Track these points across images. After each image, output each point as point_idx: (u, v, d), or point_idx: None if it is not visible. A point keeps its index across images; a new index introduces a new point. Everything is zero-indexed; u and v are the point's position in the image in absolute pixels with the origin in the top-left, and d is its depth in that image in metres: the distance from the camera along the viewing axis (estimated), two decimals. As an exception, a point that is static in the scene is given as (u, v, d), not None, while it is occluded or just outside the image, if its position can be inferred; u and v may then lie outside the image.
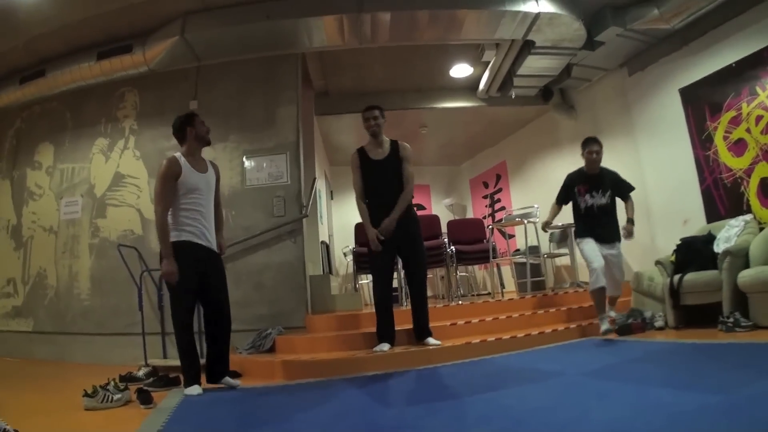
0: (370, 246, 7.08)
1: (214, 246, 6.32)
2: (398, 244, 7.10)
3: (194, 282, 5.97)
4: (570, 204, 8.47)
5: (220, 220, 6.60)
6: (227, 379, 6.21)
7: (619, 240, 8.24)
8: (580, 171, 8.50)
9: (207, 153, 6.65)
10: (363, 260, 10.42)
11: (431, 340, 7.03)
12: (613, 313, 7.90)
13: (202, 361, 6.26)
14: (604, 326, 7.56)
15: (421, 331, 7.12)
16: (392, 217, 7.00)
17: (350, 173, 7.35)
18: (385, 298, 7.09)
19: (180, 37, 9.01)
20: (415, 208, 7.52)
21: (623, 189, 8.52)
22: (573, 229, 9.26)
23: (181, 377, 6.24)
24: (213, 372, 6.23)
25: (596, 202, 8.20)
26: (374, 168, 7.24)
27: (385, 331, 7.04)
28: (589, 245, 7.98)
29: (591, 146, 8.24)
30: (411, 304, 7.23)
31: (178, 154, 6.19)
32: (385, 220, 7.00)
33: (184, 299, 5.95)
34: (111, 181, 9.81)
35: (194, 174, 6.15)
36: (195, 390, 5.73)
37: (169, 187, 5.94)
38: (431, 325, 7.18)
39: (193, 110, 6.46)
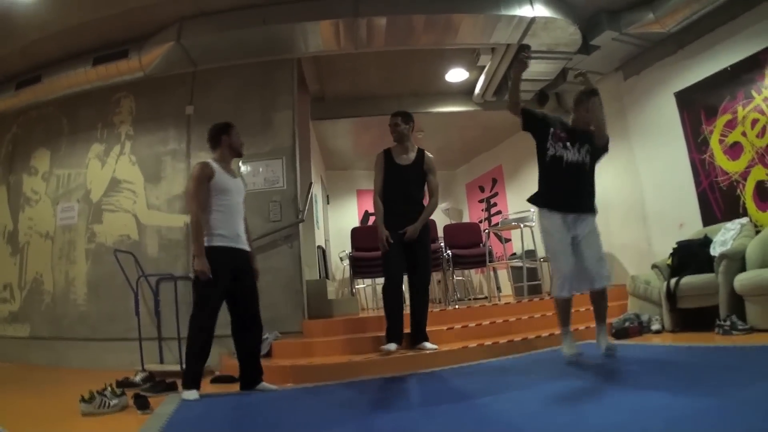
0: (379, 245, 7.14)
1: (247, 246, 6.40)
2: (410, 248, 7.15)
3: (222, 288, 6.00)
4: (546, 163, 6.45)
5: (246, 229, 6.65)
6: (264, 384, 6.23)
7: (593, 212, 6.52)
8: (558, 117, 6.83)
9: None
10: (359, 265, 10.45)
11: (428, 345, 7.03)
12: (603, 344, 6.32)
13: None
14: (567, 348, 6.38)
15: (418, 335, 7.13)
16: (416, 226, 7.11)
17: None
18: (397, 299, 7.12)
19: (176, 42, 9.03)
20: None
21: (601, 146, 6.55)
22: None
23: (178, 382, 6.26)
24: (249, 379, 6.24)
25: (569, 157, 6.31)
26: (397, 171, 7.31)
27: (395, 332, 7.07)
28: (556, 231, 6.23)
29: (587, 100, 6.58)
30: (411, 309, 7.24)
31: (209, 160, 6.28)
32: (410, 226, 7.09)
33: (210, 302, 5.96)
34: (107, 186, 9.80)
35: (226, 176, 6.24)
36: (193, 395, 5.71)
37: (203, 188, 6.03)
38: (429, 329, 7.19)
39: (228, 122, 6.44)
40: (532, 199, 6.55)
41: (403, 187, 7.24)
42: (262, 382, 6.23)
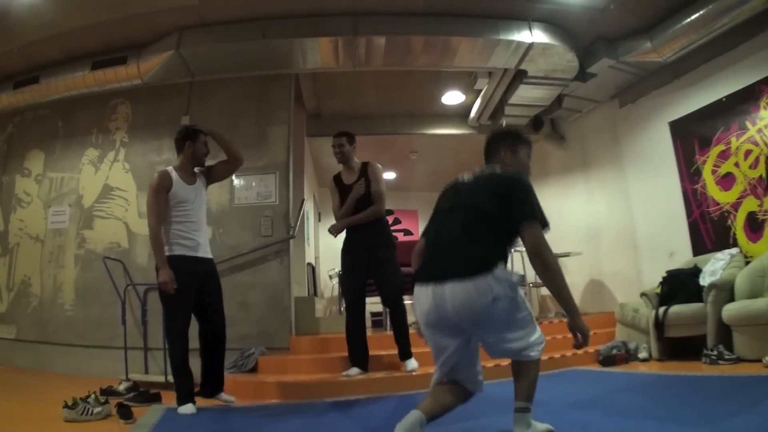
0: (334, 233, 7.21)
1: (209, 254, 6.37)
2: (369, 267, 7.14)
3: (189, 296, 5.97)
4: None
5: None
6: (222, 395, 6.23)
7: None
8: None
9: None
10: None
11: (409, 364, 7.02)
12: None
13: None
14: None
15: (400, 351, 7.12)
16: (347, 221, 7.14)
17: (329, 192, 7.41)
18: (354, 322, 7.09)
19: (175, 51, 9.02)
20: (392, 234, 7.56)
21: None
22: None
23: (162, 393, 6.25)
24: (208, 388, 6.22)
25: None
26: (347, 191, 7.27)
27: (356, 356, 7.05)
28: None
29: (530, 149, 5.15)
30: (391, 326, 7.23)
31: (169, 168, 6.24)
32: (336, 224, 7.18)
33: (179, 314, 5.95)
34: (99, 192, 9.78)
35: (184, 186, 6.18)
36: (189, 409, 5.71)
37: (160, 199, 5.97)
38: (417, 350, 7.14)
39: (197, 125, 6.42)
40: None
41: (356, 206, 7.19)
42: (222, 392, 6.26)
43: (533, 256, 3.84)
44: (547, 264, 3.82)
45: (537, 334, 4.20)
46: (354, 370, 6.89)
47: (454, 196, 4.35)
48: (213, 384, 6.23)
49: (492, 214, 3.88)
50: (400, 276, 7.23)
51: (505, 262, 3.88)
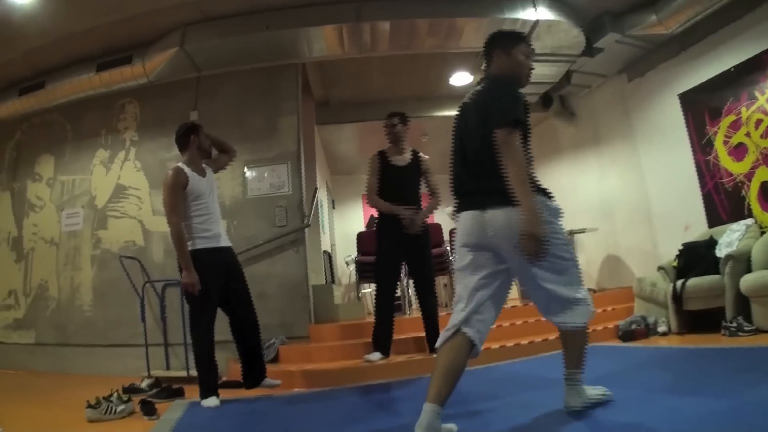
0: (404, 222, 6.91)
1: (228, 243, 6.41)
2: (405, 253, 7.13)
3: (215, 291, 6.01)
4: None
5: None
6: (267, 380, 6.25)
7: None
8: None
9: (205, 164, 6.65)
10: (365, 269, 10.44)
11: None
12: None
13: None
14: None
15: (432, 340, 6.94)
16: (420, 215, 7.03)
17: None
18: (385, 308, 7.07)
19: (180, 48, 9.02)
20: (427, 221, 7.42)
21: None
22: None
23: (185, 388, 6.27)
24: (252, 377, 6.25)
25: None
26: (393, 173, 7.25)
27: (381, 341, 7.04)
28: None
29: (522, 46, 4.45)
30: (422, 313, 7.16)
31: (181, 164, 6.24)
32: (415, 215, 6.97)
33: (206, 309, 5.98)
34: (112, 192, 9.80)
35: (199, 180, 6.21)
36: (213, 402, 5.74)
37: (179, 197, 5.99)
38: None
39: (194, 121, 6.45)
40: None
41: (399, 189, 7.17)
42: (266, 378, 6.25)
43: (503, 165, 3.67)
44: (511, 174, 3.62)
45: (582, 292, 3.94)
46: (376, 355, 6.89)
47: (462, 123, 4.23)
48: (256, 373, 6.26)
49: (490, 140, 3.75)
50: (433, 264, 7.24)
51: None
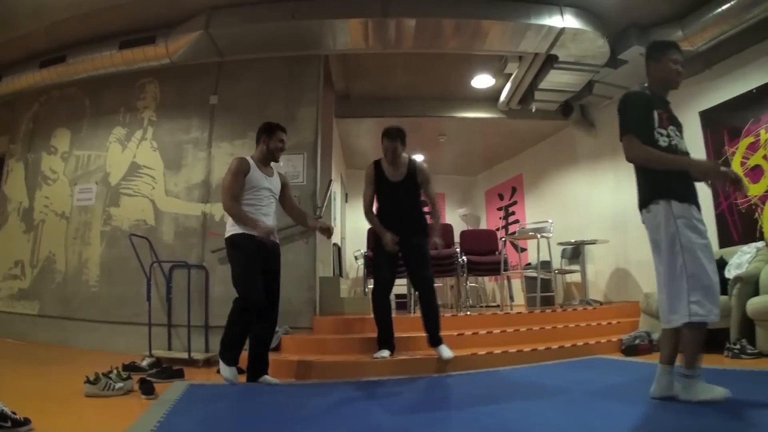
0: (385, 248, 7.03)
1: (276, 239, 6.50)
2: (407, 254, 7.11)
3: (259, 270, 6.10)
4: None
5: (303, 216, 7.06)
6: (266, 377, 6.25)
7: None
8: (651, 93, 4.87)
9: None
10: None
11: (443, 352, 6.87)
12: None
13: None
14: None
15: (431, 337, 7.01)
16: (436, 232, 7.12)
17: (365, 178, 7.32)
18: (381, 306, 7.08)
19: (204, 31, 9.03)
20: (426, 219, 7.49)
21: None
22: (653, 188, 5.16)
23: (185, 370, 6.27)
24: (254, 370, 6.25)
25: (679, 144, 4.73)
26: (389, 188, 7.24)
27: (385, 339, 7.04)
28: (695, 231, 4.56)
29: (671, 52, 4.89)
30: (421, 310, 7.13)
31: (248, 157, 6.41)
32: (435, 240, 7.04)
33: (254, 280, 6.04)
34: (126, 170, 9.82)
35: (261, 174, 6.33)
36: (232, 373, 5.87)
37: (238, 181, 6.13)
38: (440, 334, 7.14)
39: (275, 125, 6.47)
40: (657, 192, 4.62)
41: (395, 203, 7.20)
42: (266, 375, 6.25)
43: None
44: (646, 168, 4.62)
45: (692, 295, 4.37)
46: (386, 353, 6.91)
47: None
48: (259, 367, 6.26)
49: None
50: (430, 260, 7.22)
51: (666, 190, 4.55)
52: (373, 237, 7.37)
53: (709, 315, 4.34)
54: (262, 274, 6.13)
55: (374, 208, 7.34)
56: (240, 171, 6.15)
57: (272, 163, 6.70)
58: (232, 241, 6.09)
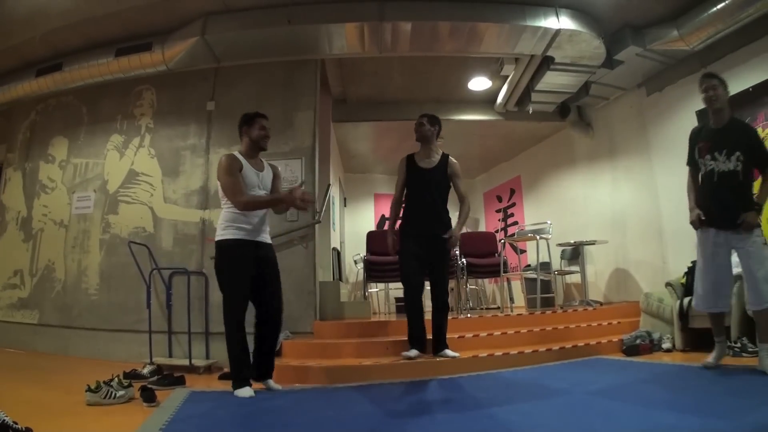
0: (389, 252, 7.27)
1: (269, 239, 6.40)
2: (430, 258, 7.10)
3: (247, 280, 5.98)
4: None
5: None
6: (269, 381, 6.22)
7: (754, 226, 5.95)
8: (704, 124, 6.46)
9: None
10: (373, 269, 10.49)
11: (449, 352, 7.02)
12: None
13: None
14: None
15: (439, 343, 7.09)
16: (457, 231, 7.15)
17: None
18: (417, 306, 7.07)
19: (200, 37, 9.04)
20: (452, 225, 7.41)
21: (759, 155, 6.02)
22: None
23: (186, 377, 6.25)
24: (259, 370, 6.22)
25: (718, 167, 5.99)
26: (420, 175, 7.26)
27: (418, 337, 7.05)
28: (701, 248, 6.32)
29: (705, 82, 6.21)
30: (433, 319, 7.18)
31: (236, 152, 6.28)
32: (452, 231, 7.13)
33: (238, 299, 5.96)
34: (124, 178, 9.82)
35: (252, 171, 6.21)
36: (247, 392, 5.73)
37: (236, 177, 5.99)
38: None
39: (257, 112, 6.41)
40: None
41: (426, 191, 7.18)
42: (270, 379, 6.22)
43: None
44: None
45: None
46: (414, 352, 6.90)
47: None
48: (264, 368, 6.24)
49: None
50: (448, 269, 7.28)
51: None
52: (399, 237, 7.32)
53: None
54: (257, 282, 6.07)
55: (400, 209, 7.42)
56: (234, 167, 6.02)
57: (270, 164, 6.65)
58: (221, 246, 5.99)
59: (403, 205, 7.37)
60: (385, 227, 7.28)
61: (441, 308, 7.15)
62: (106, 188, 9.90)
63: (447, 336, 7.22)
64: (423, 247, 7.02)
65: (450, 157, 7.44)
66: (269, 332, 6.24)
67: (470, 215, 17.86)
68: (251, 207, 6.00)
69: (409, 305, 7.08)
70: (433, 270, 7.19)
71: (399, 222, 7.36)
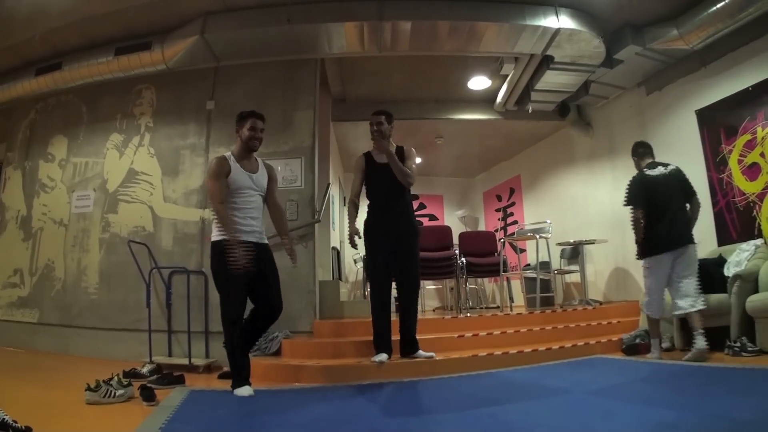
0: (349, 242, 7.33)
1: (264, 240, 6.34)
2: (395, 253, 7.03)
3: (243, 280, 5.90)
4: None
5: (282, 220, 6.66)
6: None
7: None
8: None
9: (220, 152, 6.67)
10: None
11: (422, 353, 6.94)
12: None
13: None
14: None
15: (407, 344, 7.02)
16: (394, 162, 6.98)
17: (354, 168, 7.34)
18: (383, 308, 6.99)
19: (200, 36, 9.03)
20: (417, 222, 7.48)
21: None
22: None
23: (186, 376, 6.25)
24: (248, 339, 6.22)
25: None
26: (378, 171, 7.19)
27: (382, 341, 6.96)
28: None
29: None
30: (400, 319, 7.10)
31: (228, 154, 6.24)
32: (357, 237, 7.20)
33: (235, 300, 5.93)
34: (124, 177, 9.81)
35: (243, 174, 6.14)
36: (246, 391, 5.72)
37: (221, 184, 5.94)
38: (439, 336, 7.18)
39: (252, 111, 6.37)
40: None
41: (386, 185, 7.11)
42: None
43: None
44: None
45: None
46: (383, 356, 6.80)
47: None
48: (253, 337, 6.29)
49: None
50: (419, 270, 7.24)
51: None
52: (366, 236, 7.28)
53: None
54: (256, 281, 6.03)
55: (358, 207, 7.37)
56: (221, 172, 5.96)
57: (265, 162, 6.62)
58: (216, 247, 5.92)
59: (368, 203, 7.31)
60: (367, 209, 7.23)
61: (408, 308, 7.07)
62: (105, 187, 9.90)
63: (447, 335, 7.21)
64: (387, 244, 7.00)
65: (405, 146, 7.39)
66: (263, 326, 6.28)
67: (470, 214, 17.91)
68: (218, 219, 5.94)
69: (374, 309, 7.02)
70: (401, 270, 7.12)
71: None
